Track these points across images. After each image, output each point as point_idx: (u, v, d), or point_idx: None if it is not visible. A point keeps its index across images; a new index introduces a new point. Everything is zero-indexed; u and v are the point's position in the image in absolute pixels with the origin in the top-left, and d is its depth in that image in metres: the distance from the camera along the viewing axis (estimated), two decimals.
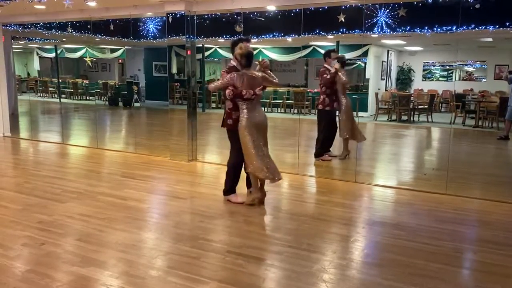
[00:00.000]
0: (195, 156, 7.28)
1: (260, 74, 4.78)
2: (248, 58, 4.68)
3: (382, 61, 14.83)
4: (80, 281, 3.18)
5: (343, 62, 7.22)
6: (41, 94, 19.69)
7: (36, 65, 20.54)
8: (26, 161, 7.68)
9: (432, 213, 4.85)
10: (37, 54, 19.66)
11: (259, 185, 4.89)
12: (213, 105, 15.97)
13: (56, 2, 6.81)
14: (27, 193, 5.33)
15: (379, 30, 7.97)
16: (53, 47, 18.31)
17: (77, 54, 18.09)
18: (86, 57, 17.39)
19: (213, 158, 7.75)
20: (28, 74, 22.47)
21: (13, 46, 13.20)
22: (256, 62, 4.89)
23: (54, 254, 3.61)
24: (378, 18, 7.85)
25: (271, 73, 4.93)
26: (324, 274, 3.33)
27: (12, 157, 8.02)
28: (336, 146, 7.74)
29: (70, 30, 10.38)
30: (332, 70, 7.02)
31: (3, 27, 9.46)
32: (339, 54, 7.64)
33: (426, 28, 7.93)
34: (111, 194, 5.32)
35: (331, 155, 7.45)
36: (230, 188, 5.06)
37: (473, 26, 6.87)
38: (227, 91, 4.59)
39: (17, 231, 4.10)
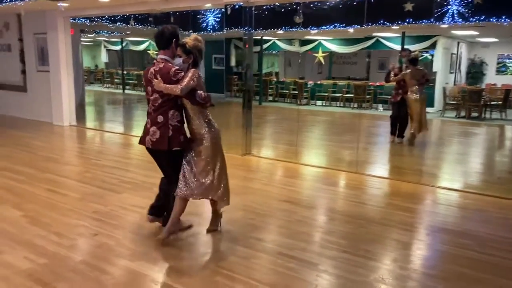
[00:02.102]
0: (249, 150, 7.17)
1: None
2: (202, 54, 3.66)
3: (452, 54, 13.86)
4: (129, 276, 3.16)
5: (409, 60, 7.66)
6: (107, 85, 20.62)
7: (103, 57, 21.53)
8: (89, 151, 7.97)
9: (505, 222, 4.38)
10: (104, 46, 20.58)
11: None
12: (270, 98, 15.81)
13: None
14: (86, 182, 5.49)
15: (450, 20, 7.37)
16: (119, 40, 19.06)
17: (141, 47, 18.72)
18: (149, 50, 17.94)
19: (268, 152, 7.60)
20: (96, 66, 23.64)
21: (82, 39, 13.83)
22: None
23: (106, 246, 3.63)
24: (449, 6, 7.25)
25: None
26: (382, 285, 3.07)
27: (77, 146, 8.37)
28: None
29: (133, 23, 10.66)
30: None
31: (72, 20, 9.87)
32: (405, 52, 8.15)
33: (504, 17, 7.21)
34: None
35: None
36: (165, 210, 3.89)
37: None
38: (200, 93, 3.49)
39: (73, 220, 4.19)
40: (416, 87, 7.70)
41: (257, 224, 4.18)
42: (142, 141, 3.72)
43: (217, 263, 3.38)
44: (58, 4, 8.00)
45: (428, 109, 12.19)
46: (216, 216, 3.98)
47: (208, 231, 3.93)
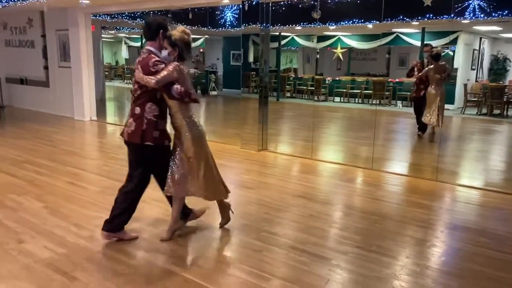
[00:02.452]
0: (265, 146, 7.20)
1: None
2: (189, 48, 3.51)
3: (473, 50, 13.58)
4: (145, 266, 3.24)
5: (432, 55, 7.81)
6: (128, 81, 20.90)
7: (124, 53, 21.81)
8: (108, 145, 8.12)
9: None
10: (125, 43, 20.84)
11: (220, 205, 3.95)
12: (288, 94, 15.78)
13: None
14: (105, 175, 5.61)
15: (471, 15, 7.23)
16: (139, 36, 19.27)
17: None
18: None
19: (284, 148, 7.62)
20: (117, 62, 23.97)
21: (103, 35, 14.06)
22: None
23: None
24: (470, 1, 7.11)
25: None
26: (395, 281, 3.06)
27: (96, 140, 8.54)
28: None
29: None
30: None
31: (93, 17, 10.05)
32: (428, 47, 8.29)
33: None
34: None
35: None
36: (121, 222, 3.62)
37: None
38: (177, 87, 3.33)
39: (92, 212, 4.30)
40: (438, 82, 7.80)
41: (271, 218, 4.21)
42: (122, 133, 3.63)
43: (230, 256, 3.43)
44: (80, 1, 8.15)
45: (448, 106, 12.01)
46: (223, 208, 3.93)
47: (221, 225, 3.96)
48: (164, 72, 3.29)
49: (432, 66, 7.81)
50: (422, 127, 8.23)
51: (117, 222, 3.57)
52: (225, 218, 3.97)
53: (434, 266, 3.33)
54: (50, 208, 4.37)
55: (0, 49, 12.19)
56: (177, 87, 3.33)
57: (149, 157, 3.54)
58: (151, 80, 3.28)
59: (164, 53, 3.49)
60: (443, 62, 8.08)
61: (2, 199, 4.63)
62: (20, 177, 5.45)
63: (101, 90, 12.96)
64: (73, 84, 10.18)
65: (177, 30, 3.43)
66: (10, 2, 8.63)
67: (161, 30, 3.44)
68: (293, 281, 3.04)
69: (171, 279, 3.05)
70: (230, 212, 3.98)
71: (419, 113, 8.24)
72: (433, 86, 7.83)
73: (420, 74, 7.98)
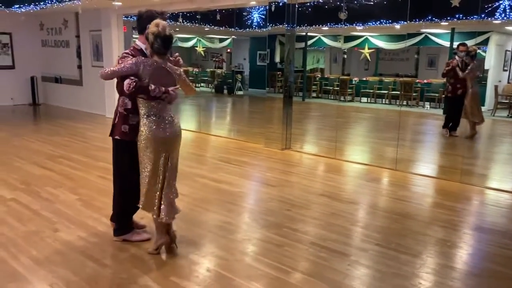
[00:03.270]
0: (288, 145, 7.30)
1: (179, 70, 3.37)
2: (164, 42, 3.13)
3: (506, 50, 13.25)
4: (171, 257, 3.40)
5: (471, 54, 8.00)
6: None
7: None
8: None
9: None
10: None
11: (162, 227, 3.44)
12: (314, 94, 15.81)
13: None
14: None
15: (502, 15, 7.11)
16: None
17: (189, 44, 19.25)
18: (197, 47, 18.43)
19: (307, 148, 7.70)
20: None
21: (133, 35, 14.47)
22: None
23: (150, 229, 3.89)
24: (501, 1, 7.00)
25: (187, 78, 3.51)
26: (413, 278, 3.12)
27: None
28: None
29: (181, 21, 11.04)
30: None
31: (124, 18, 10.39)
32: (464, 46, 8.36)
33: None
34: (207, 176, 5.59)
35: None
36: (122, 225, 3.62)
37: None
38: (128, 82, 3.06)
39: None
40: (475, 81, 8.06)
41: (293, 215, 4.31)
42: None
43: (252, 249, 3.56)
44: (113, 3, 8.46)
45: None
46: (158, 228, 3.41)
47: (150, 250, 3.45)
48: (115, 67, 3.17)
49: (472, 65, 7.97)
50: (453, 126, 8.35)
51: (120, 225, 3.62)
52: (158, 242, 3.42)
53: (453, 265, 3.37)
54: (83, 201, 4.61)
55: (37, 49, 12.74)
56: (127, 82, 3.07)
57: (116, 151, 3.50)
58: (101, 72, 3.22)
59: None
60: (475, 61, 8.21)
61: (39, 191, 4.92)
62: (56, 171, 5.75)
63: None
64: (105, 83, 10.54)
65: (154, 24, 3.14)
66: (48, 4, 9.03)
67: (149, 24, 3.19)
68: (313, 275, 3.14)
69: (195, 268, 3.21)
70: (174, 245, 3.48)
71: (455, 113, 8.22)
72: (472, 85, 7.99)
73: (466, 72, 8.01)
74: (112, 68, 3.19)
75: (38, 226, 3.92)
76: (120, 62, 3.24)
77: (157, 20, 3.16)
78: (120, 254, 3.42)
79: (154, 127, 3.21)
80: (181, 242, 3.61)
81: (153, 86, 3.11)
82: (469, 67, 7.99)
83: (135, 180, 3.36)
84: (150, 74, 3.13)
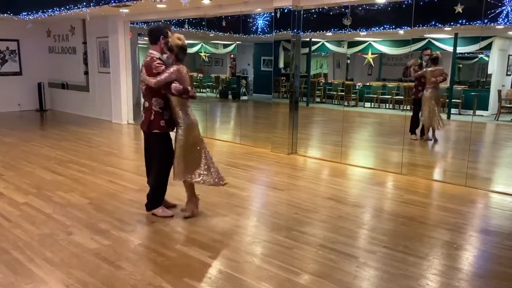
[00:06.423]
0: (295, 149, 7.38)
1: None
2: (185, 51, 4.08)
3: (509, 55, 13.32)
4: (182, 258, 3.48)
5: (431, 58, 8.14)
6: None
7: None
8: None
9: None
10: None
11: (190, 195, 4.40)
12: (318, 99, 15.90)
13: (175, 1, 7.38)
14: (143, 175, 5.83)
15: (505, 20, 7.20)
16: None
17: (194, 49, 19.40)
18: (201, 52, 18.58)
19: (313, 152, 7.78)
20: None
21: (139, 42, 14.62)
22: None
23: (162, 232, 3.99)
24: (504, 7, 7.09)
25: None
26: (420, 279, 3.19)
27: (133, 142, 8.94)
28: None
29: (187, 27, 11.18)
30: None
31: (131, 24, 10.53)
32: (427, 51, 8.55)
33: None
34: None
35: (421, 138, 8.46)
36: (154, 201, 4.38)
37: None
38: (175, 86, 3.91)
39: (133, 208, 4.60)
40: (433, 85, 8.16)
41: (301, 218, 4.39)
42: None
43: (261, 251, 3.63)
44: (120, 10, 8.59)
45: (482, 112, 11.87)
46: (190, 198, 4.36)
47: (184, 216, 4.34)
48: (163, 75, 3.94)
49: (430, 68, 8.11)
50: (421, 130, 8.41)
51: (154, 200, 4.34)
52: (189, 211, 4.35)
53: (458, 267, 3.43)
54: (94, 204, 4.70)
55: (44, 56, 12.91)
56: (175, 85, 3.92)
57: (156, 143, 4.19)
58: (152, 80, 3.97)
59: (165, 56, 4.12)
60: (441, 67, 8.37)
61: (51, 195, 5.01)
62: (66, 175, 5.85)
63: (137, 94, 13.47)
64: (111, 89, 10.68)
65: (173, 37, 4.02)
66: (56, 11, 9.18)
67: (161, 36, 4.06)
68: (322, 276, 3.21)
69: (207, 270, 3.29)
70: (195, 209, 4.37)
71: (414, 115, 8.44)
72: (428, 89, 8.14)
73: (417, 73, 8.26)
74: (162, 77, 3.94)
75: (51, 229, 4.01)
76: (158, 67, 3.97)
77: (177, 35, 4.04)
78: (133, 256, 3.50)
79: (192, 116, 4.16)
80: (193, 245, 3.69)
81: (190, 88, 4.02)
82: (423, 70, 8.20)
83: (171, 163, 4.18)
84: (186, 78, 4.02)
